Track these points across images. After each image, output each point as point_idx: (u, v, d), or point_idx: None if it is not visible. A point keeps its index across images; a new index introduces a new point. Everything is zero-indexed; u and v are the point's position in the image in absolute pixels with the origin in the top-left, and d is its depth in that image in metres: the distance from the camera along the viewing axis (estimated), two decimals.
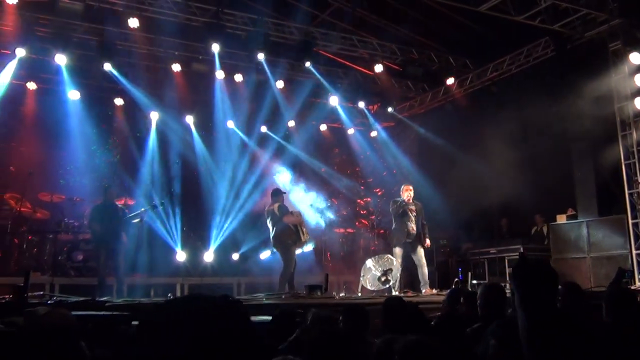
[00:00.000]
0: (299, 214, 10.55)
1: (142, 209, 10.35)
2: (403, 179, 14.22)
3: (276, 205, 10.22)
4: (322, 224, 13.28)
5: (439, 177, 12.61)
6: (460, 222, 12.73)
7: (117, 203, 10.24)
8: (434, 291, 10.41)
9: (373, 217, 15.20)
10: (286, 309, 5.07)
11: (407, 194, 10.38)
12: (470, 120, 13.07)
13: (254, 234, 13.13)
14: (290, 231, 10.10)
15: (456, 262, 13.20)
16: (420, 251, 10.29)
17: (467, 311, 4.98)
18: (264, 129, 14.76)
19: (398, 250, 10.31)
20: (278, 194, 10.47)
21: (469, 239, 13.23)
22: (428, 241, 10.56)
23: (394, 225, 10.48)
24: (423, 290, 10.03)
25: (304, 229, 10.37)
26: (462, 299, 5.36)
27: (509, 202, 11.83)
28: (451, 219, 12.57)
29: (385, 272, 11.11)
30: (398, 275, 10.25)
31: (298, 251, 10.54)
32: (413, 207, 10.41)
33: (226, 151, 14.04)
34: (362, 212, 15.83)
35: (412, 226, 10.30)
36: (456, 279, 11.03)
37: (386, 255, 11.55)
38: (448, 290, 6.59)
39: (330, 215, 13.85)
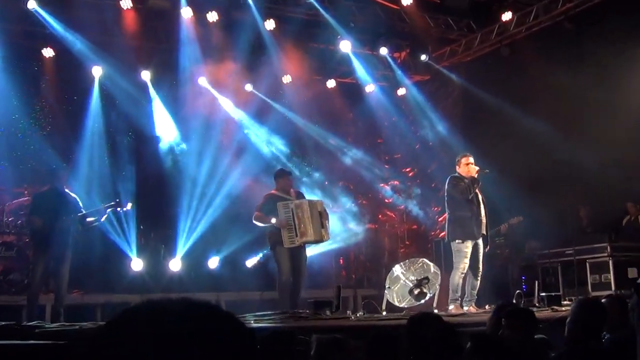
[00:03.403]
0: (299, 205, 10.00)
1: (106, 205, 10.23)
2: (442, 152, 14.18)
3: (267, 194, 10.29)
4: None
5: (491, 148, 12.55)
6: (522, 211, 12.68)
7: (69, 191, 10.04)
8: (487, 307, 10.37)
9: (402, 207, 15.17)
10: (280, 330, 5.04)
11: (471, 167, 10.04)
12: (534, 70, 12.97)
13: (237, 232, 13.12)
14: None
15: (518, 268, 13.18)
16: (481, 254, 10.10)
17: (511, 335, 5.01)
18: (248, 87, 14.73)
19: (465, 247, 9.87)
20: (278, 176, 10.45)
21: (534, 236, 13.18)
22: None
23: (457, 212, 10.09)
24: (466, 308, 9.90)
25: (302, 225, 9.96)
26: (503, 320, 5.39)
27: (590, 183, 11.76)
28: (509, 207, 12.51)
29: (420, 283, 11.11)
30: (460, 282, 9.92)
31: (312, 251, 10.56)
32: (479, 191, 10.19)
33: (196, 118, 14.00)
34: (386, 200, 15.80)
35: (483, 215, 10.11)
36: (518, 291, 10.98)
37: (420, 260, 11.56)
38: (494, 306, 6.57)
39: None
